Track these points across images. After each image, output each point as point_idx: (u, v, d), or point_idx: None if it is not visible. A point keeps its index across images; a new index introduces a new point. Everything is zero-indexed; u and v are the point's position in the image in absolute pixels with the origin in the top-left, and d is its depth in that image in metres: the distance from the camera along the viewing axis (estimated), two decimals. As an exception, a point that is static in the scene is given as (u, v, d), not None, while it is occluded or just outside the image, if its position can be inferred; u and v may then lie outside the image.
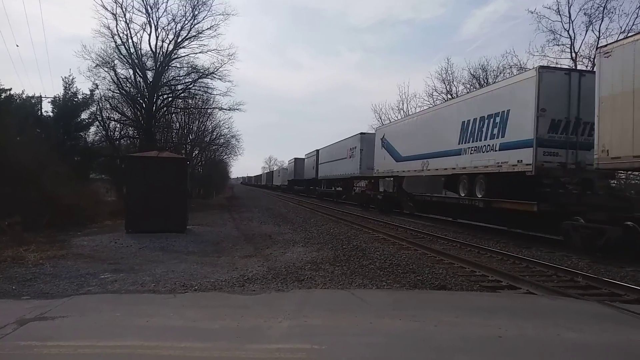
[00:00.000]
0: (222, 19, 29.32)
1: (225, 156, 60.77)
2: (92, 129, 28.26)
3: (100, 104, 27.85)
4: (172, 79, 30.54)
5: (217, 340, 4.30)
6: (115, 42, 27.02)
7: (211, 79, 30.04)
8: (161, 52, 28.46)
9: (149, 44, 28.41)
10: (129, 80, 28.72)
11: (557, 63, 26.62)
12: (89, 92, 26.81)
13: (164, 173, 13.88)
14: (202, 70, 29.67)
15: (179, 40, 28.52)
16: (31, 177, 15.24)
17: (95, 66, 26.77)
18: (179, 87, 30.83)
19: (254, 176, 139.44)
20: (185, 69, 30.24)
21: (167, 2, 30.83)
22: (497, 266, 9.49)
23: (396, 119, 38.16)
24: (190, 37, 28.78)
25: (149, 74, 28.83)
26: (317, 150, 42.42)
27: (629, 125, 9.51)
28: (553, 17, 27.66)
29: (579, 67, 24.90)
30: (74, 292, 6.51)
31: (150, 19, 27.94)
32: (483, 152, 14.97)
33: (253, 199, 45.02)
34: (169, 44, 28.48)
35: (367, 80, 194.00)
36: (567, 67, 23.97)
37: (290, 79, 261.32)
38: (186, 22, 28.31)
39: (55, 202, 15.15)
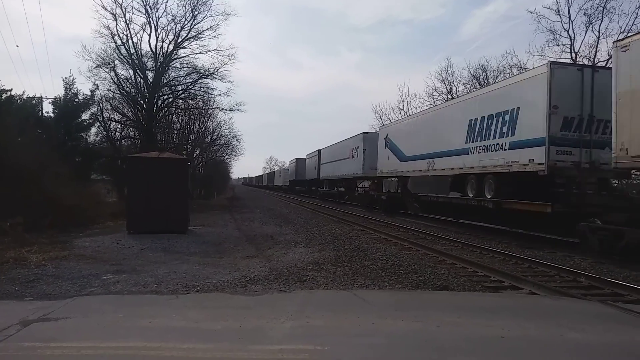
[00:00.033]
0: (221, 19, 29.47)
1: (226, 157, 60.93)
2: (93, 130, 28.40)
3: (101, 105, 27.99)
4: (172, 80, 30.67)
5: (219, 341, 4.30)
6: (115, 43, 27.16)
7: (211, 79, 30.18)
8: (161, 53, 28.57)
9: (149, 44, 28.58)
10: (130, 81, 28.84)
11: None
12: (89, 93, 26.93)
13: (165, 174, 13.89)
14: (202, 71, 29.80)
15: (179, 41, 28.65)
16: (32, 178, 15.26)
17: (96, 67, 26.90)
18: (180, 87, 30.97)
19: (255, 177, 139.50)
20: (185, 69, 30.38)
21: (166, 3, 30.98)
22: (499, 266, 9.47)
23: (397, 119, 38.11)
24: (190, 38, 28.91)
25: (149, 75, 28.96)
26: (319, 150, 42.17)
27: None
28: (553, 17, 27.68)
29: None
30: (77, 293, 6.51)
31: (150, 19, 28.07)
32: (492, 152, 14.54)
33: (254, 200, 45.04)
34: (169, 45, 28.61)
35: (367, 80, 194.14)
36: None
37: (291, 79, 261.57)
38: (186, 22, 28.44)
39: (57, 203, 15.17)
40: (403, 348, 4.22)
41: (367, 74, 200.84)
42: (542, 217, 12.42)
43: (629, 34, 11.23)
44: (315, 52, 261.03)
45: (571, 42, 27.08)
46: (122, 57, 27.65)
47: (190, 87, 30.88)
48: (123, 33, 27.25)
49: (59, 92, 29.83)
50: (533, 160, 12.53)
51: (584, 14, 26.37)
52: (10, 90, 21.66)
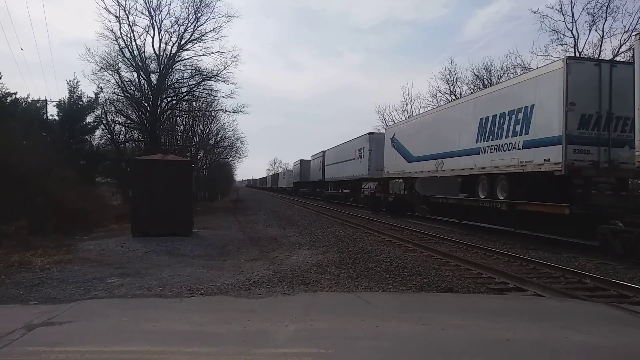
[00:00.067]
0: (224, 21, 29.67)
1: (230, 159, 60.97)
2: (97, 133, 28.57)
3: (105, 107, 28.13)
4: (176, 82, 30.71)
5: (223, 345, 4.30)
6: (119, 45, 27.25)
7: (215, 81, 30.24)
8: (165, 55, 28.64)
9: (153, 46, 28.61)
10: (133, 83, 28.94)
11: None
12: (93, 96, 27.13)
13: (169, 176, 13.91)
14: (205, 73, 29.84)
15: (182, 43, 28.71)
16: (37, 181, 15.34)
17: (100, 69, 26.99)
18: (183, 89, 31.02)
19: (259, 179, 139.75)
20: (189, 71, 30.43)
21: (170, 5, 31.15)
22: (503, 268, 9.44)
23: (400, 120, 37.98)
24: (193, 40, 28.94)
25: (153, 77, 29.03)
26: (324, 152, 41.82)
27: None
28: (556, 17, 27.50)
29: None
30: (81, 297, 6.53)
31: (154, 22, 28.13)
32: (504, 151, 14.05)
33: (258, 202, 45.08)
34: (172, 47, 28.68)
35: (370, 81, 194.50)
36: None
37: (294, 80, 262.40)
38: (189, 24, 28.47)
39: (61, 206, 15.23)
40: (407, 351, 4.20)
41: (369, 75, 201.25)
42: (558, 219, 12.01)
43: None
44: (318, 53, 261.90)
45: (575, 41, 27.01)
46: (125, 59, 27.78)
47: (194, 89, 31.00)
48: (127, 35, 27.39)
49: (64, 95, 30.09)
50: (549, 159, 12.09)
51: (588, 13, 26.27)
52: (15, 93, 21.86)
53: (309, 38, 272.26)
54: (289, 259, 10.17)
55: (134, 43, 27.69)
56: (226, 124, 45.17)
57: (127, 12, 27.13)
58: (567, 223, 12.00)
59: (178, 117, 35.48)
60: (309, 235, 14.94)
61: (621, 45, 25.06)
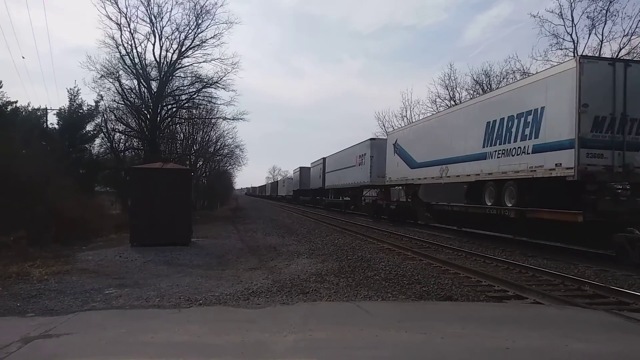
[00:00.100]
0: (225, 27, 29.74)
1: (230, 167, 60.99)
2: (97, 141, 28.64)
3: (105, 116, 28.22)
4: (176, 89, 30.80)
5: (222, 356, 4.27)
6: (120, 53, 27.32)
7: (215, 88, 30.28)
8: (165, 62, 28.73)
9: (153, 53, 28.67)
10: (134, 91, 29.01)
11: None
12: (94, 104, 27.23)
13: (169, 185, 13.90)
14: (206, 80, 29.90)
15: (182, 50, 28.80)
16: (36, 191, 15.33)
17: (100, 77, 27.06)
18: (183, 97, 31.10)
19: (259, 187, 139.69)
20: (189, 78, 30.54)
21: (170, 12, 31.20)
22: (503, 276, 9.42)
23: (400, 126, 37.98)
24: (194, 47, 29.04)
25: (153, 84, 29.08)
26: (324, 159, 41.39)
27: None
28: (556, 21, 27.46)
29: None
30: (79, 308, 6.50)
31: (155, 29, 28.23)
32: (512, 156, 13.45)
33: (257, 210, 45.03)
34: (173, 54, 28.77)
35: (369, 87, 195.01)
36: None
37: (294, 87, 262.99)
38: (190, 31, 28.57)
39: (61, 215, 15.21)
40: (406, 361, 4.19)
41: (369, 81, 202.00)
42: (570, 227, 11.51)
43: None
44: (318, 59, 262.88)
45: (574, 45, 27.05)
46: (126, 67, 27.84)
47: (194, 96, 31.06)
48: (127, 43, 27.47)
49: (64, 103, 30.21)
50: (560, 164, 11.52)
51: (587, 17, 26.24)
52: (16, 102, 21.99)
53: (310, 44, 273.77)
54: (288, 268, 10.15)
55: (134, 50, 27.83)
56: (226, 132, 45.29)
57: (128, 20, 27.29)
58: (579, 231, 11.52)
59: (178, 125, 35.57)
60: (308, 244, 14.92)
61: (621, 49, 25.16)
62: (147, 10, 27.85)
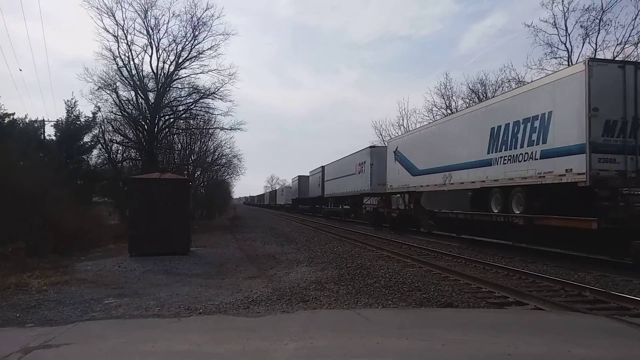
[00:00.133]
0: (222, 39, 29.71)
1: (228, 176, 61.00)
2: (95, 152, 28.55)
3: (103, 127, 28.16)
4: (173, 100, 30.84)
5: (222, 365, 4.25)
6: (117, 64, 27.41)
7: (212, 99, 30.36)
8: (162, 73, 28.79)
9: (151, 65, 28.75)
10: (131, 102, 29.02)
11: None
12: (91, 115, 27.14)
13: (167, 195, 13.89)
14: (203, 91, 29.98)
15: (179, 61, 28.89)
16: (34, 202, 15.31)
17: (98, 89, 27.11)
18: (180, 107, 31.16)
19: (257, 196, 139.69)
20: (186, 89, 30.58)
21: (167, 24, 31.34)
22: (503, 282, 9.41)
23: (397, 134, 38.06)
24: (191, 58, 29.11)
25: (151, 96, 29.16)
26: (323, 167, 41.24)
27: None
28: (550, 31, 27.76)
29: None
30: (78, 319, 6.46)
31: (152, 41, 28.32)
32: (519, 162, 13.10)
33: (256, 219, 44.96)
34: (170, 65, 28.85)
35: (366, 97, 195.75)
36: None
37: (290, 97, 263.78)
38: (187, 42, 28.67)
39: (59, 226, 15.18)
40: (408, 368, 4.17)
41: (366, 91, 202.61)
42: (581, 234, 11.12)
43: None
44: (315, 69, 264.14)
45: (569, 54, 27.26)
46: (123, 78, 27.91)
47: (191, 107, 31.11)
48: (125, 55, 27.57)
49: (61, 114, 30.12)
50: (571, 170, 11.16)
51: (581, 26, 26.47)
52: (13, 114, 21.96)
53: (306, 55, 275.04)
54: (288, 276, 10.12)
55: (132, 62, 27.92)
56: (223, 142, 45.27)
57: (125, 32, 27.41)
58: (591, 238, 11.10)
59: (175, 135, 35.59)
60: (307, 252, 14.88)
61: (615, 58, 25.35)
62: (144, 22, 28.00)
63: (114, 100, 27.92)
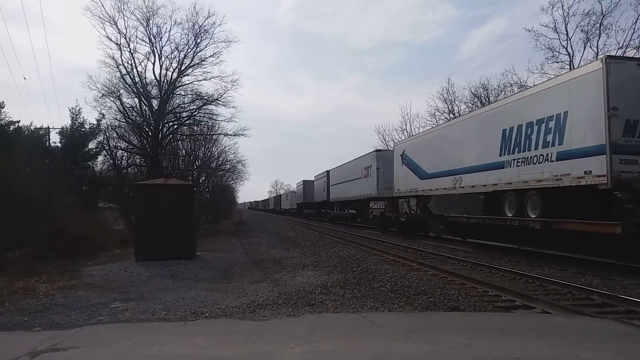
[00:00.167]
0: (224, 46, 29.93)
1: (232, 181, 61.19)
2: (100, 158, 28.78)
3: (107, 134, 28.39)
4: (177, 107, 31.03)
5: (229, 368, 4.25)
6: (120, 72, 27.62)
7: (215, 105, 30.51)
8: (165, 81, 29.00)
9: (154, 72, 28.97)
10: (135, 109, 29.24)
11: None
12: (95, 122, 27.41)
13: (172, 200, 13.96)
14: (206, 97, 30.15)
15: (182, 68, 29.08)
16: (40, 208, 15.40)
17: (102, 96, 27.30)
18: (184, 114, 31.32)
19: (262, 200, 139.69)
20: (189, 96, 30.77)
21: (170, 31, 31.43)
22: (509, 285, 9.37)
23: (400, 139, 38.01)
24: (193, 65, 29.32)
25: (154, 102, 29.33)
26: (328, 171, 41.14)
27: None
28: (551, 35, 27.76)
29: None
30: (85, 322, 6.49)
31: (154, 48, 28.57)
32: (534, 164, 12.69)
33: (261, 224, 44.98)
34: (172, 72, 29.05)
35: (368, 101, 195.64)
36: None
37: (293, 102, 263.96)
38: (189, 50, 28.88)
39: (65, 232, 15.28)
40: (415, 371, 4.15)
41: (367, 96, 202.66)
42: (602, 238, 10.74)
43: None
44: (316, 75, 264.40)
45: (570, 58, 27.28)
46: (127, 86, 28.11)
47: (195, 113, 31.30)
48: (128, 62, 27.80)
49: (66, 122, 30.41)
50: (590, 172, 10.73)
51: (582, 31, 26.50)
52: (18, 121, 22.14)
53: (308, 61, 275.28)
54: (293, 280, 10.12)
55: (135, 70, 28.14)
56: (227, 147, 45.47)
57: (127, 40, 27.64)
58: (614, 243, 10.70)
59: (179, 142, 35.79)
60: (312, 256, 14.88)
61: (624, 59, 25.29)
62: (146, 30, 28.24)
63: (117, 108, 28.19)
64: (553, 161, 12.02)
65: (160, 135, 29.70)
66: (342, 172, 36.25)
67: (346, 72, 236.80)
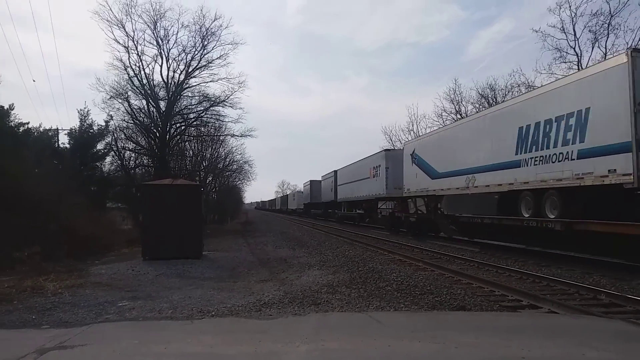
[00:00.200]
0: (231, 48, 29.87)
1: (239, 182, 61.30)
2: (108, 159, 28.94)
3: (115, 135, 28.52)
4: (184, 108, 31.08)
5: (234, 366, 4.27)
6: (128, 74, 27.72)
7: (222, 106, 30.49)
8: (173, 82, 29.08)
9: (161, 74, 29.04)
10: (143, 111, 29.35)
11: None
12: (104, 123, 27.59)
13: (179, 200, 14.03)
14: (213, 99, 30.17)
15: (189, 70, 29.13)
16: (49, 208, 15.53)
17: (110, 98, 27.40)
18: (191, 115, 31.36)
19: (268, 200, 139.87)
20: (196, 97, 30.79)
21: (177, 34, 31.50)
22: (516, 285, 9.33)
23: (407, 139, 37.89)
24: (200, 67, 29.34)
25: (162, 104, 29.42)
26: (335, 171, 41.02)
27: None
28: (558, 35, 27.55)
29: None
30: (93, 321, 6.55)
31: (162, 51, 28.63)
32: (553, 162, 12.25)
33: (267, 224, 45.06)
34: (180, 74, 29.11)
35: (375, 102, 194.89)
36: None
37: (299, 104, 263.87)
38: (196, 52, 28.91)
39: (73, 232, 15.40)
40: (420, 370, 4.15)
41: (374, 97, 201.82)
42: (627, 240, 10.18)
43: None
44: (323, 77, 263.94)
45: (578, 59, 27.05)
46: (135, 87, 28.24)
47: (202, 114, 31.33)
48: (135, 65, 27.91)
49: (74, 123, 30.54)
50: (615, 170, 10.23)
51: (590, 31, 26.28)
52: (28, 123, 22.35)
53: (314, 63, 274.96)
54: (299, 279, 10.14)
55: (142, 72, 28.25)
56: (234, 148, 45.59)
57: (135, 43, 27.73)
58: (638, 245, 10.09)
59: (187, 143, 35.90)
60: (318, 256, 14.89)
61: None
62: (153, 33, 28.31)
63: (125, 109, 28.28)
64: (574, 159, 11.57)
65: (167, 136, 29.84)
66: (350, 172, 36.06)
67: (352, 74, 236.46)
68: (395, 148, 37.33)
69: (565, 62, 27.40)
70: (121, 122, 28.70)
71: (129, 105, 28.21)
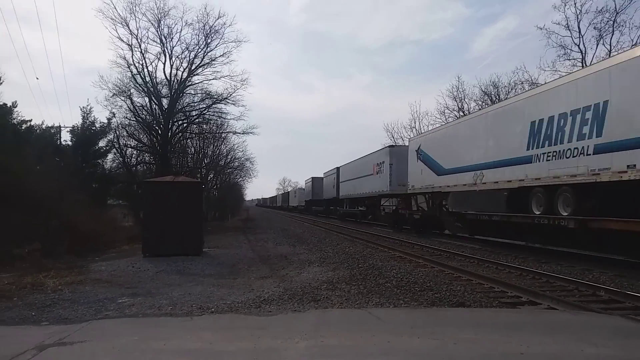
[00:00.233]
0: (234, 46, 29.97)
1: (240, 179, 61.33)
2: (110, 156, 29.01)
3: (117, 132, 28.58)
4: (186, 106, 31.16)
5: (233, 362, 4.28)
6: (131, 72, 27.78)
7: (225, 104, 30.57)
8: (176, 80, 29.10)
9: (164, 72, 29.12)
10: (145, 108, 29.39)
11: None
12: (106, 121, 27.63)
13: (180, 197, 14.03)
14: (215, 96, 30.19)
15: (192, 68, 29.16)
16: (50, 205, 15.56)
17: (112, 95, 27.48)
18: (194, 113, 31.43)
19: (269, 197, 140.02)
20: (199, 95, 30.84)
21: (180, 32, 31.47)
22: (516, 282, 9.33)
23: (409, 136, 37.77)
24: (203, 65, 29.40)
25: (164, 101, 29.47)
26: (338, 168, 40.76)
27: None
28: (563, 33, 27.49)
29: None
30: (92, 317, 6.56)
31: (165, 49, 28.68)
32: (567, 158, 11.79)
33: (268, 221, 45.09)
34: (183, 72, 29.13)
35: (378, 100, 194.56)
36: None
37: (302, 101, 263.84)
38: (199, 50, 28.96)
39: (74, 228, 15.42)
40: (419, 366, 4.15)
41: (377, 94, 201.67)
42: None
43: None
44: (326, 74, 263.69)
45: (582, 56, 26.98)
46: (137, 85, 28.27)
47: (204, 112, 31.37)
48: (139, 62, 27.96)
49: (77, 121, 30.69)
50: (634, 165, 9.75)
51: (594, 28, 26.19)
52: (30, 120, 22.38)
53: (317, 60, 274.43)
54: (299, 276, 10.15)
55: (145, 69, 28.29)
56: (236, 145, 45.50)
57: (139, 40, 27.80)
58: None
59: (189, 140, 35.89)
60: (318, 253, 14.90)
61: (630, 59, 24.95)
62: (157, 31, 28.35)
63: (128, 107, 28.37)
64: (589, 155, 11.10)
65: (169, 134, 29.86)
66: (352, 169, 35.76)
67: (356, 71, 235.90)
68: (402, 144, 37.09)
69: (569, 60, 27.37)
70: (123, 119, 28.84)
71: (132, 102, 28.33)
